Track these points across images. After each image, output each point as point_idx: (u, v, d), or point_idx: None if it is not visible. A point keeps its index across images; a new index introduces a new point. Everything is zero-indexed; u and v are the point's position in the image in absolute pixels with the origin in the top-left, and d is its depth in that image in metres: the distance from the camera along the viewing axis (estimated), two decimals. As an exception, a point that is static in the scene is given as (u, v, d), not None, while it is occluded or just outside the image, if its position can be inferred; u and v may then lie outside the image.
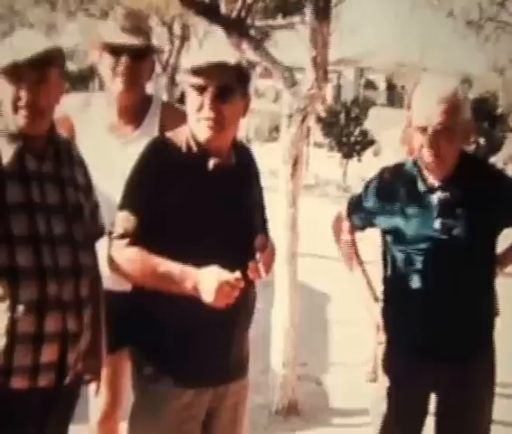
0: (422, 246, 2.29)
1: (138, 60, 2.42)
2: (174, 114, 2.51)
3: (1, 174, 1.86)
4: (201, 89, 1.98)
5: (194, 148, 2.05)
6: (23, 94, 1.86)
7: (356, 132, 16.89)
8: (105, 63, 2.44)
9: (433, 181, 2.30)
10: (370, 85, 37.13)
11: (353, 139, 16.83)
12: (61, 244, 1.94)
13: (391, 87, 35.54)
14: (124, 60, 2.39)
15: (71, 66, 20.05)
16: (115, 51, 2.40)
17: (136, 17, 2.51)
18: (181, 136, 2.07)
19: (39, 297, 1.86)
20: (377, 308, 2.50)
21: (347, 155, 16.88)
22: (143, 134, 2.44)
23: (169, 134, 2.11)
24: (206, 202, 2.02)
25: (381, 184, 2.43)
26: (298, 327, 4.15)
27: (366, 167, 17.31)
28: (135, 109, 2.48)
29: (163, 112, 2.51)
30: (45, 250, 1.89)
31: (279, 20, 9.99)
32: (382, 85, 37.79)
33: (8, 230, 1.84)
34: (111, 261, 2.04)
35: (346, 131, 16.80)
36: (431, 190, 2.30)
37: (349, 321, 5.57)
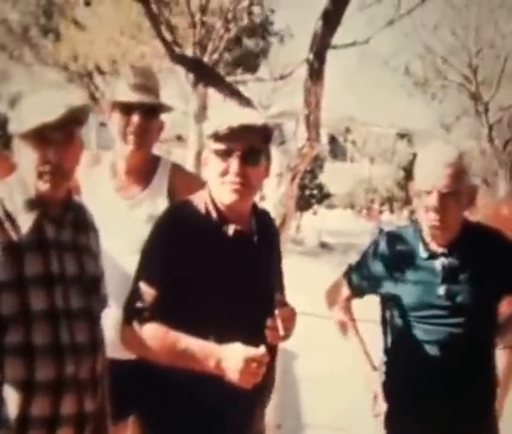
0: (425, 313, 2.26)
1: (149, 118, 2.36)
2: (183, 175, 2.49)
3: (20, 245, 1.74)
4: (225, 154, 1.91)
5: (214, 214, 1.97)
6: (51, 157, 1.76)
7: (312, 185, 17.12)
8: (115, 122, 2.37)
9: (436, 247, 2.27)
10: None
11: (308, 192, 17.02)
12: (79, 319, 1.83)
13: (333, 140, 36.49)
14: (135, 118, 2.32)
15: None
16: (126, 109, 2.33)
17: (144, 75, 2.43)
18: (199, 201, 1.99)
19: (56, 377, 1.74)
20: (375, 378, 2.43)
21: (302, 209, 17.03)
22: (151, 195, 2.38)
23: (186, 199, 2.03)
24: (226, 269, 1.93)
25: (382, 250, 2.39)
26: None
27: (320, 220, 17.66)
28: (143, 169, 2.41)
29: (172, 173, 2.43)
30: (63, 326, 1.77)
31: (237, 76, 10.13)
32: (324, 138, 38.84)
33: (26, 305, 1.72)
34: (126, 339, 1.94)
35: (300, 184, 16.89)
36: (434, 256, 2.27)
37: (318, 378, 5.56)
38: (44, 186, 1.78)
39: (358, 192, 27.64)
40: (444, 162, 2.18)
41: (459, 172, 2.19)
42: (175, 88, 15.35)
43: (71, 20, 14.23)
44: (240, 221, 1.97)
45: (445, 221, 2.19)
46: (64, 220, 1.85)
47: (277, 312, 1.88)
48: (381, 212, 24.15)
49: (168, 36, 4.64)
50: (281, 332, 1.87)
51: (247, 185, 1.92)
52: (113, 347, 2.12)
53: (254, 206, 2.07)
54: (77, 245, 1.88)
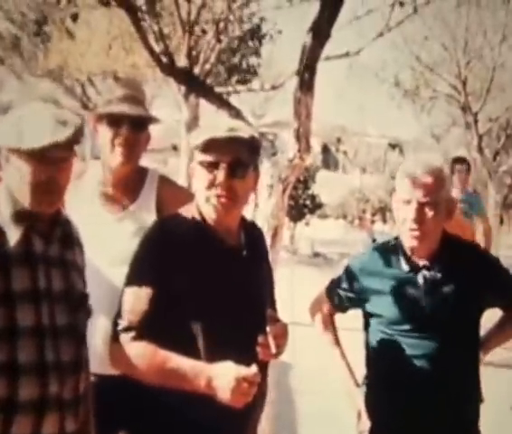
0: (407, 327, 2.24)
1: (138, 130, 2.32)
2: (171, 188, 2.44)
3: (7, 258, 1.69)
4: (212, 166, 1.87)
5: (202, 228, 1.94)
6: (49, 174, 1.70)
7: (305, 195, 17.11)
8: (101, 134, 2.33)
9: (417, 259, 2.26)
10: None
11: (301, 202, 17.01)
12: (64, 336, 1.78)
13: (326, 150, 36.52)
14: (124, 130, 2.28)
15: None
16: (114, 121, 2.29)
17: (131, 86, 2.41)
18: (187, 214, 1.96)
19: (39, 396, 1.69)
20: (359, 394, 2.41)
21: (296, 219, 17.02)
22: (139, 208, 2.34)
23: (175, 213, 2.00)
24: (215, 284, 1.90)
25: (363, 265, 2.38)
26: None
27: (313, 230, 17.64)
28: (131, 182, 2.36)
29: (159, 186, 2.38)
30: (48, 344, 1.73)
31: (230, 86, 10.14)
32: (317, 148, 38.85)
33: (13, 320, 1.67)
34: (114, 356, 1.91)
35: (293, 194, 17.00)
36: (416, 269, 2.26)
37: (313, 390, 5.51)
38: (40, 204, 1.72)
39: (350, 202, 27.69)
40: (424, 172, 2.18)
41: (438, 182, 2.19)
42: (170, 97, 15.31)
43: (61, 30, 14.20)
44: (228, 235, 1.95)
45: (424, 231, 2.19)
46: (52, 235, 1.80)
47: (268, 329, 1.84)
48: (373, 221, 24.20)
49: (160, 46, 4.63)
50: (273, 349, 1.84)
51: (233, 199, 1.89)
52: (102, 363, 2.10)
53: (243, 219, 2.04)
54: (64, 260, 1.83)
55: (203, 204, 1.92)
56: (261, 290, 2.05)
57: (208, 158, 1.87)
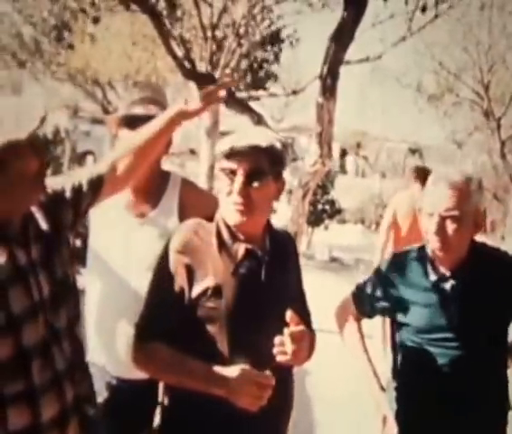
0: (435, 336, 2.23)
1: None
2: (194, 192, 2.42)
3: (1, 282, 1.60)
4: (231, 173, 1.89)
5: (225, 234, 1.94)
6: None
7: (323, 201, 16.99)
8: (121, 137, 2.31)
9: (444, 270, 2.24)
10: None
11: (320, 208, 16.90)
12: (66, 338, 1.74)
13: (345, 155, 36.41)
14: None
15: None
16: (132, 123, 2.26)
17: (151, 89, 2.40)
18: (212, 220, 1.98)
19: (60, 410, 1.68)
20: (384, 399, 2.38)
21: (314, 224, 16.92)
22: (161, 214, 2.32)
23: (200, 218, 2.00)
24: (236, 290, 1.90)
25: (389, 272, 2.36)
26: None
27: (330, 235, 17.56)
28: (152, 186, 2.33)
29: (182, 190, 2.36)
30: (56, 353, 1.69)
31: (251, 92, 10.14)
32: (336, 153, 38.88)
33: (20, 343, 1.61)
34: (137, 358, 1.92)
35: (312, 199, 16.78)
36: (443, 278, 2.24)
37: (331, 396, 5.45)
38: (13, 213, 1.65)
39: (369, 207, 27.55)
40: (448, 185, 2.16)
41: (462, 196, 2.16)
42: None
43: (83, 34, 14.32)
44: (251, 241, 1.94)
45: (447, 244, 2.17)
46: (28, 236, 1.70)
47: (286, 330, 1.83)
48: (391, 227, 24.01)
49: (181, 51, 4.63)
50: (289, 350, 1.82)
51: (249, 206, 1.89)
52: (125, 367, 2.10)
53: (269, 226, 2.04)
54: (46, 258, 1.73)
55: (224, 210, 1.94)
56: (284, 296, 2.01)
57: (228, 166, 1.89)
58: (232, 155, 1.87)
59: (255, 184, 1.88)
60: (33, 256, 1.69)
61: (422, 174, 5.85)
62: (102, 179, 1.93)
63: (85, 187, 1.89)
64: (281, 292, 1.99)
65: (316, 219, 16.38)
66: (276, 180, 1.95)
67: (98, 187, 1.92)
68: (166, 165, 2.50)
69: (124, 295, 2.21)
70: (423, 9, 5.79)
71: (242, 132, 1.97)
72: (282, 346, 1.82)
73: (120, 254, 2.24)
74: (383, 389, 2.41)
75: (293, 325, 1.83)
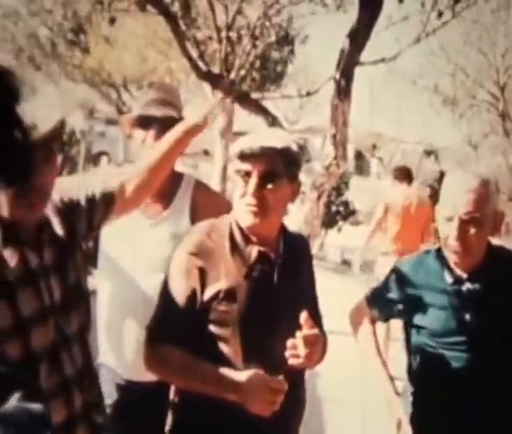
0: (452, 340, 2.20)
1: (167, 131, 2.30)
2: (207, 194, 2.41)
3: (11, 284, 1.58)
4: (246, 175, 1.87)
5: (238, 236, 1.92)
6: (34, 181, 1.55)
7: (338, 202, 16.91)
8: (136, 138, 2.32)
9: (461, 272, 2.22)
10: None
11: (334, 209, 16.82)
12: (76, 344, 1.73)
13: (359, 156, 36.28)
14: (152, 132, 2.26)
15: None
16: (145, 123, 2.27)
17: (166, 90, 2.40)
18: (225, 222, 1.96)
19: (68, 415, 1.66)
20: (398, 403, 2.35)
21: (327, 225, 16.85)
22: (172, 215, 2.31)
23: (213, 220, 1.99)
24: (249, 293, 1.88)
25: (404, 275, 2.34)
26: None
27: (342, 237, 17.50)
28: (164, 188, 2.29)
29: (195, 192, 2.35)
30: (65, 359, 1.68)
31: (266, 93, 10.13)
32: (350, 154, 38.75)
33: (29, 347, 1.59)
34: (148, 359, 1.91)
35: (326, 201, 16.69)
36: (460, 281, 2.22)
37: (342, 398, 5.45)
38: (27, 213, 1.61)
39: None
40: (466, 189, 2.14)
41: (482, 198, 2.14)
42: (202, 102, 15.35)
43: (98, 35, 14.40)
44: (265, 243, 1.93)
45: (466, 247, 2.15)
46: (41, 241, 1.69)
47: (298, 333, 1.82)
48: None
49: (196, 52, 4.63)
50: (301, 353, 1.81)
51: (263, 208, 1.87)
52: (135, 369, 2.09)
53: (283, 228, 2.02)
54: (58, 262, 1.71)
55: (238, 212, 1.92)
56: (297, 299, 1.99)
57: (243, 167, 1.87)
58: (246, 156, 1.86)
59: (269, 186, 1.86)
60: (46, 260, 1.68)
61: (406, 174, 6.11)
62: (114, 196, 1.93)
63: (98, 197, 1.88)
64: (294, 295, 1.97)
65: (329, 220, 16.32)
66: (291, 182, 1.93)
67: (109, 202, 1.92)
68: (180, 166, 2.48)
69: (133, 296, 2.20)
70: (440, 14, 5.75)
71: (257, 133, 1.96)
72: (295, 349, 1.80)
73: (130, 255, 2.23)
74: (397, 393, 2.39)
75: (307, 328, 1.81)
